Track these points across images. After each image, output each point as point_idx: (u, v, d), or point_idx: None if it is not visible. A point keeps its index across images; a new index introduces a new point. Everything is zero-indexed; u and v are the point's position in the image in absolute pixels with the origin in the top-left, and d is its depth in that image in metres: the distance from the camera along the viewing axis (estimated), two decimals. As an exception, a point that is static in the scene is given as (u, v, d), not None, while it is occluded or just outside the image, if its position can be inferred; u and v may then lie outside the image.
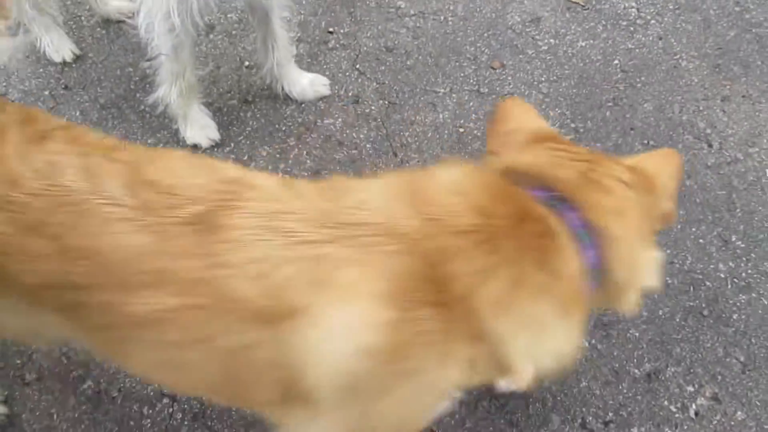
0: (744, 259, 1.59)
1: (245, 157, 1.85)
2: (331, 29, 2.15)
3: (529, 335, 0.83)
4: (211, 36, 2.16)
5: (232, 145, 1.88)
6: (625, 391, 1.40)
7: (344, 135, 1.88)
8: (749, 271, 1.57)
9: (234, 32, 2.16)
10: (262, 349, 0.79)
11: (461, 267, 0.79)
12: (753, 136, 1.84)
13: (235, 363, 0.81)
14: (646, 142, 1.83)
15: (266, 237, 0.80)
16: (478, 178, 0.87)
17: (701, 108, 1.91)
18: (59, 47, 2.03)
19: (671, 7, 2.18)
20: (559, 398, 1.40)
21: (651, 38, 2.10)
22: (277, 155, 1.85)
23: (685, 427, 1.35)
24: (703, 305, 1.52)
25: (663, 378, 1.42)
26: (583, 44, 2.08)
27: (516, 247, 0.81)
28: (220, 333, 0.79)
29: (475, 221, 0.81)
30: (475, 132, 1.88)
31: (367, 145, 1.86)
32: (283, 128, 1.91)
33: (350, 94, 1.97)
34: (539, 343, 0.84)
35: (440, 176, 0.88)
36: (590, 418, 1.37)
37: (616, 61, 2.04)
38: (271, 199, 0.84)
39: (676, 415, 1.36)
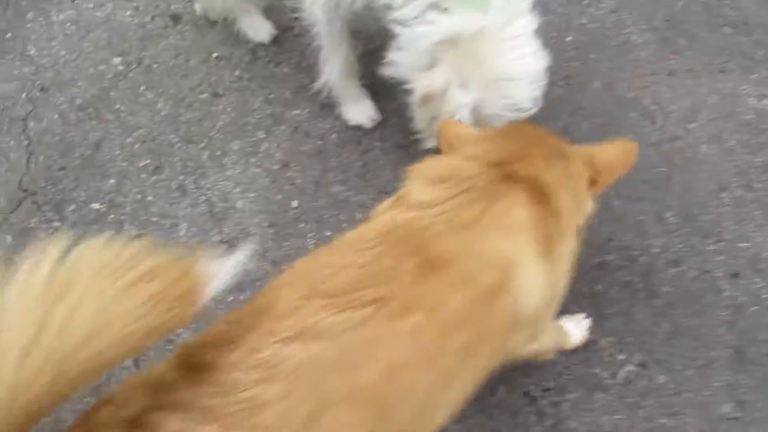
0: (676, 234, 1.75)
1: (218, 152, 1.97)
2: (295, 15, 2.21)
3: None
4: (179, 27, 2.22)
5: (206, 141, 2.00)
6: (564, 360, 1.59)
7: (311, 125, 2.00)
8: (680, 246, 1.73)
9: (201, 22, 2.21)
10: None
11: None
12: (693, 111, 1.95)
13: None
14: (594, 121, 1.94)
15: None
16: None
17: (648, 84, 2.01)
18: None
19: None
20: (506, 371, 1.59)
21: (604, 12, 2.17)
22: (249, 149, 1.97)
23: (614, 391, 1.54)
24: (638, 279, 1.69)
25: (597, 348, 1.60)
26: (540, 20, 2.15)
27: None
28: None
29: None
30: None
31: (333, 135, 1.98)
32: (253, 121, 2.02)
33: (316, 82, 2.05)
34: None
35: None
36: (532, 387, 1.56)
37: (570, 38, 2.12)
38: None
39: (606, 381, 1.56)
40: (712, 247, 1.73)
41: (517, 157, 1.08)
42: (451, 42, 1.44)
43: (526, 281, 0.98)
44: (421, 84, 1.51)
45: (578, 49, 2.09)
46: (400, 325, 0.87)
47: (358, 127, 1.96)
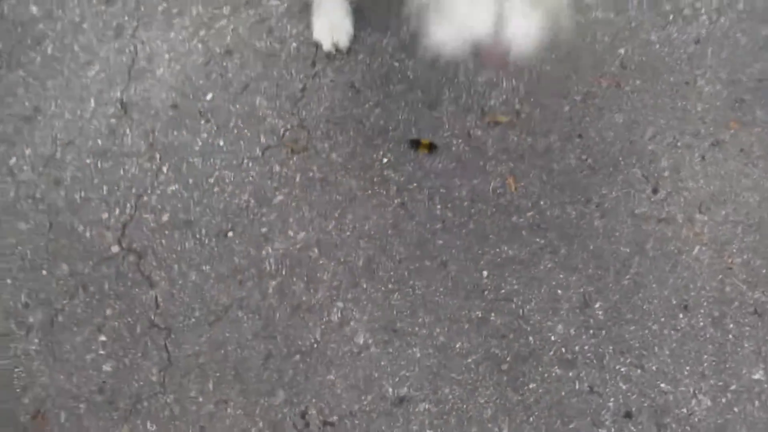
0: (591, 332, 1.35)
1: (175, 10, 1.74)
2: None
3: None
4: None
5: (172, -8, 1.77)
6: (366, 403, 1.30)
7: (279, 23, 1.71)
8: (585, 348, 1.34)
9: None
10: None
11: None
12: (713, 201, 1.48)
13: None
14: (584, 157, 1.52)
15: None
16: None
17: (679, 144, 1.54)
18: None
19: (740, 7, 1.70)
20: (299, 379, 1.32)
21: (685, 38, 1.66)
22: (206, 19, 1.72)
23: (393, 466, 1.24)
24: (508, 359, 1.33)
25: (412, 410, 1.29)
26: (601, 16, 1.69)
27: None
28: None
29: None
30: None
31: (294, 43, 1.68)
32: (228, -8, 1.76)
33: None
34: None
35: None
36: (313, 412, 1.29)
37: (623, 51, 1.65)
38: None
39: (392, 451, 1.25)
40: (623, 369, 1.32)
41: None
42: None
43: None
44: None
45: (624, 68, 1.63)
46: None
47: (318, 46, 1.65)
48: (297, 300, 1.38)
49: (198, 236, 1.44)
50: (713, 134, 1.55)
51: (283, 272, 1.40)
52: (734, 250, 1.43)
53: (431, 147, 1.53)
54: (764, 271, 1.40)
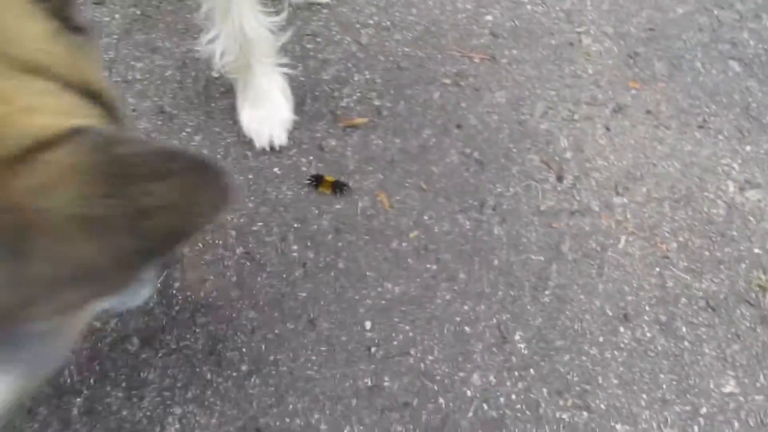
0: (516, 374, 1.03)
1: None
2: None
3: None
4: None
5: None
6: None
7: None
8: (513, 397, 1.01)
9: None
10: None
11: None
12: (630, 177, 1.20)
13: None
14: (468, 151, 1.21)
15: None
16: None
17: (577, 117, 1.26)
18: None
19: (611, -50, 1.46)
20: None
21: (558, -8, 1.41)
22: None
23: None
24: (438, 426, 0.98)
25: None
26: (457, -19, 1.41)
27: None
28: None
29: None
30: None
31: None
32: None
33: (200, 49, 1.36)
34: None
35: None
36: None
37: (490, 17, 1.37)
38: None
39: None
40: (565, 415, 1.00)
41: None
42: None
43: None
44: None
45: (495, 36, 1.35)
46: None
47: (249, 144, 1.22)
48: (115, 417, 0.98)
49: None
50: (613, 98, 1.29)
51: (91, 381, 1.00)
52: (666, 234, 1.15)
53: (336, 187, 1.15)
54: (707, 252, 1.14)
